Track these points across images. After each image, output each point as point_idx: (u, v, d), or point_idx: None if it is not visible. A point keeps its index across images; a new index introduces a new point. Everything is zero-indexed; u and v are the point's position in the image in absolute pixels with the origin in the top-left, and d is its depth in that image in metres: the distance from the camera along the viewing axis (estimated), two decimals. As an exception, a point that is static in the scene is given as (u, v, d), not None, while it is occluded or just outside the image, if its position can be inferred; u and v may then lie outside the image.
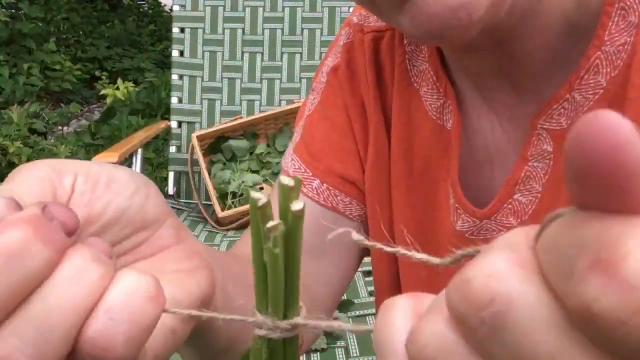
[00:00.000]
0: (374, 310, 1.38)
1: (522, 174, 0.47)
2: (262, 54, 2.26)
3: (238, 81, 2.25)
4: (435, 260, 0.20)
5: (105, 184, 0.29)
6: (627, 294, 0.13)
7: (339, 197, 0.58)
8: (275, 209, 0.22)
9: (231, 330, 0.40)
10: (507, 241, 0.17)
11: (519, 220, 0.48)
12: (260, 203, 0.21)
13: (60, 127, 3.97)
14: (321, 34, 2.25)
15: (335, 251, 0.58)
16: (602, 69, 0.43)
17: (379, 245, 0.21)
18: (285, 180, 0.21)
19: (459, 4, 0.37)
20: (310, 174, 0.58)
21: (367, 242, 0.21)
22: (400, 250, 0.21)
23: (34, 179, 0.26)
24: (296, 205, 0.21)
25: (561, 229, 0.15)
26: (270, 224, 0.21)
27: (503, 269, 0.16)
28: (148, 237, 0.30)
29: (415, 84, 0.55)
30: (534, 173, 0.47)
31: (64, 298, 0.22)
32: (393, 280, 0.60)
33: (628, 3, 0.42)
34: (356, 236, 0.21)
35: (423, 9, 0.37)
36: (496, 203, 0.48)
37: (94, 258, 0.24)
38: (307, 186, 0.58)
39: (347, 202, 0.58)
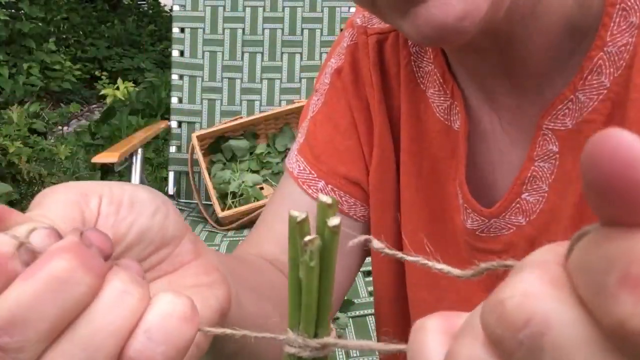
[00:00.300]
0: (373, 311, 1.39)
1: (529, 174, 0.48)
2: (262, 54, 2.26)
3: (238, 81, 2.25)
4: (456, 272, 0.21)
5: (128, 205, 0.29)
6: None
7: (343, 199, 0.58)
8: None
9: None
10: (538, 259, 0.17)
11: (527, 219, 0.48)
12: (299, 219, 0.22)
13: (60, 127, 3.97)
14: (321, 34, 2.25)
15: (340, 250, 0.59)
16: (605, 69, 0.43)
17: (400, 254, 0.22)
18: (324, 198, 0.22)
19: (464, 12, 0.37)
20: (315, 175, 0.59)
21: (387, 251, 0.21)
22: (421, 260, 0.21)
23: (62, 203, 0.27)
24: (333, 221, 0.22)
25: (589, 246, 0.15)
26: (307, 238, 0.22)
27: (537, 288, 0.16)
28: (168, 254, 0.31)
29: (422, 85, 0.55)
30: (540, 173, 0.47)
31: (107, 321, 0.24)
32: (394, 280, 0.60)
33: (629, 4, 0.42)
34: (377, 244, 0.21)
35: (427, 19, 0.37)
36: (503, 202, 0.49)
37: (132, 281, 0.25)
38: (312, 187, 0.58)
39: (352, 204, 0.59)
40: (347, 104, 0.59)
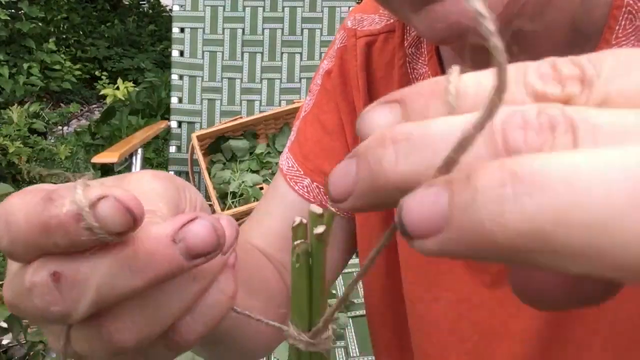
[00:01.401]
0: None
1: None
2: (262, 54, 2.26)
3: (238, 81, 2.25)
4: None
5: (200, 210, 0.32)
6: None
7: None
8: None
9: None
10: None
11: None
12: (294, 224, 0.25)
13: (60, 127, 3.97)
14: (321, 34, 2.26)
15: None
16: None
17: None
18: (315, 208, 0.25)
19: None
20: (302, 173, 0.61)
21: None
22: None
23: (172, 189, 0.30)
24: (318, 229, 0.24)
25: None
26: (296, 242, 0.25)
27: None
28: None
29: None
30: None
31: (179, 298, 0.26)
32: (384, 277, 0.61)
33: (635, 7, 0.42)
34: None
35: (444, 17, 0.37)
36: None
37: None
38: (298, 184, 0.61)
39: None
40: (335, 105, 0.61)
